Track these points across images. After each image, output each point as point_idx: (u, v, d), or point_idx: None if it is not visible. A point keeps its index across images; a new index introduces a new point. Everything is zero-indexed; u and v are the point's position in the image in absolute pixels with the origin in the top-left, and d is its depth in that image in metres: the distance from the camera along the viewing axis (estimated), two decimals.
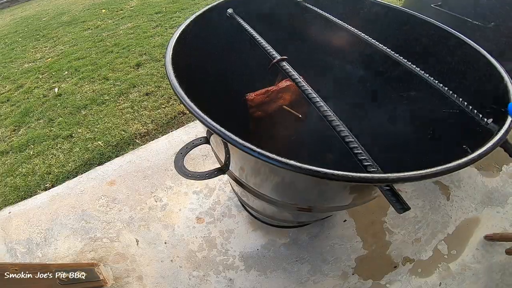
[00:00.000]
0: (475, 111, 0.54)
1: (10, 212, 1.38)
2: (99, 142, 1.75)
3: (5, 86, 2.47)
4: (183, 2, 3.54)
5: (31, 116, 2.05)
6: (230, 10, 0.89)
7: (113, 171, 1.53)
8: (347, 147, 0.45)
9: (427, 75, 0.65)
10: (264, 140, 0.90)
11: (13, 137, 1.90)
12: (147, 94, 2.09)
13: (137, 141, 1.74)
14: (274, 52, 0.69)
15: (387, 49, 0.73)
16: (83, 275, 1.01)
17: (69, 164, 1.66)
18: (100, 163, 1.61)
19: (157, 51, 2.56)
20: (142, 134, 1.77)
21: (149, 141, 1.69)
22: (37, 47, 3.16)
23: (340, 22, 0.82)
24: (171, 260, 1.19)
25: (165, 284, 1.14)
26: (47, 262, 1.03)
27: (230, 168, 0.67)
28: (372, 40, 0.76)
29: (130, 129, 1.80)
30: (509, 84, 0.54)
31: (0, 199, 1.50)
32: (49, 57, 2.86)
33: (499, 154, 1.61)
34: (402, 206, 0.36)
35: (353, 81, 1.00)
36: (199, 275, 1.16)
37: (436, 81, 0.64)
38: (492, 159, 1.51)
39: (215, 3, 0.87)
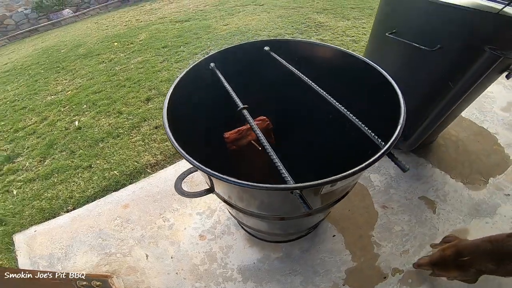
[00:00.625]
0: (373, 134, 0.75)
1: (35, 231, 1.58)
2: (115, 171, 1.97)
3: (31, 118, 2.77)
4: (187, 36, 3.88)
5: (55, 148, 2.31)
6: (212, 64, 1.11)
7: (127, 196, 1.74)
8: (275, 168, 0.67)
9: (346, 111, 0.85)
10: (240, 166, 1.12)
11: (39, 166, 2.14)
12: (156, 127, 2.33)
13: (148, 170, 1.95)
14: (238, 102, 0.90)
15: (325, 93, 0.93)
16: (98, 285, 1.18)
17: (89, 190, 1.87)
18: (116, 190, 1.83)
19: (164, 86, 2.84)
20: (152, 164, 1.99)
21: (159, 170, 1.92)
22: (57, 80, 3.50)
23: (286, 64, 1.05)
24: (176, 273, 1.35)
25: None
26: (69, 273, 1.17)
27: (214, 188, 0.86)
28: (312, 84, 0.96)
29: (142, 160, 2.03)
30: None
31: (27, 220, 1.71)
32: (69, 90, 3.17)
33: (486, 168, 1.68)
34: (307, 206, 0.55)
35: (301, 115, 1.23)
36: (201, 286, 1.30)
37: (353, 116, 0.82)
38: (478, 173, 1.58)
39: (201, 59, 1.10)
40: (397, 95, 0.82)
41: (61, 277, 1.04)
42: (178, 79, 0.97)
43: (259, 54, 1.18)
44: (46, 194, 1.88)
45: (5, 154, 2.35)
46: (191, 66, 1.04)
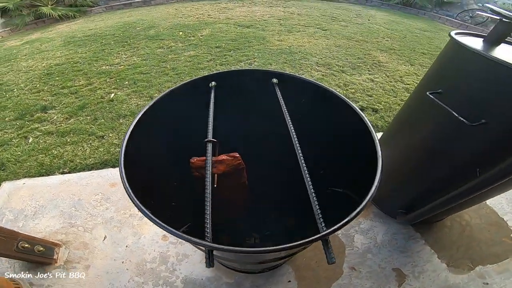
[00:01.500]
0: (320, 216, 0.64)
1: (24, 183, 1.71)
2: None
3: (80, 81, 3.10)
4: (241, 42, 3.97)
5: (84, 111, 2.53)
6: (213, 83, 1.05)
7: (118, 176, 1.77)
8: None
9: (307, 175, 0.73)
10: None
11: (62, 123, 2.36)
12: None
13: None
14: (210, 133, 0.81)
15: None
16: (41, 249, 1.20)
17: (90, 159, 1.97)
18: (113, 167, 1.89)
19: None
20: None
21: None
22: (119, 53, 3.88)
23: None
24: (122, 262, 1.34)
25: (104, 278, 1.28)
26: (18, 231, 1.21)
27: None
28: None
29: None
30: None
31: (24, 171, 1.87)
32: (123, 65, 3.48)
33: (480, 256, 1.49)
34: (209, 264, 0.55)
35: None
36: (138, 281, 1.27)
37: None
38: (468, 259, 1.41)
39: (195, 78, 1.05)
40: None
41: (5, 233, 1.07)
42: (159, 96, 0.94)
43: (260, 85, 1.10)
44: (53, 151, 2.04)
45: (44, 104, 2.66)
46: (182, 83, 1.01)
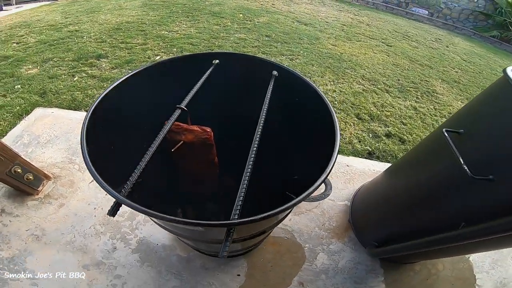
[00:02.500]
0: None
1: (52, 112, 1.95)
2: None
3: (138, 40, 3.39)
4: (292, 37, 3.91)
5: (129, 65, 2.78)
6: (216, 61, 1.06)
7: None
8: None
9: None
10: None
11: (107, 71, 2.63)
12: None
13: None
14: (185, 101, 0.83)
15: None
16: (30, 178, 1.33)
17: None
18: None
19: None
20: None
21: None
22: (181, 22, 4.12)
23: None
24: (95, 208, 1.45)
25: (70, 219, 1.39)
26: (21, 156, 1.29)
27: None
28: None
29: None
30: None
31: (58, 101, 2.13)
32: (179, 34, 3.70)
33: None
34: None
35: None
36: (98, 230, 1.37)
37: None
38: None
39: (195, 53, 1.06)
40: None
41: (7, 154, 1.20)
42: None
43: (257, 75, 1.08)
44: (89, 91, 2.29)
45: (100, 52, 2.98)
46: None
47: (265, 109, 0.85)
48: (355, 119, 2.49)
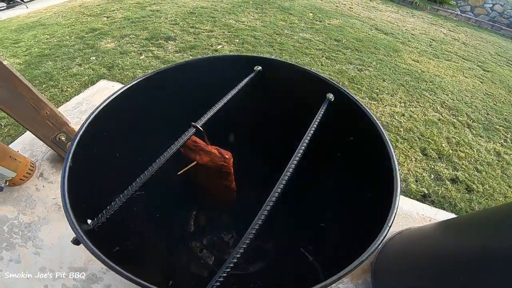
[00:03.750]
0: None
1: (113, 86, 2.07)
2: None
3: (206, 26, 3.47)
4: (367, 45, 3.49)
5: (191, 51, 2.87)
6: (259, 68, 0.92)
7: None
8: None
9: None
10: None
11: (170, 54, 2.74)
12: None
13: None
14: (203, 118, 0.71)
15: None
16: (61, 139, 1.34)
17: None
18: None
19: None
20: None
21: None
22: (249, 14, 4.06)
23: None
24: None
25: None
26: (69, 124, 1.32)
27: None
28: None
29: None
30: None
31: (121, 77, 2.26)
32: (244, 25, 3.66)
33: None
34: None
35: None
36: None
37: None
38: None
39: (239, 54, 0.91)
40: None
41: (56, 119, 1.25)
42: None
43: (307, 94, 0.89)
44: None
45: (170, 35, 3.12)
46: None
47: (306, 140, 0.67)
48: (419, 154, 2.07)
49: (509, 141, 2.35)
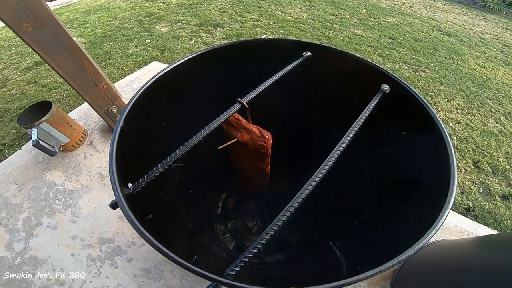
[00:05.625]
0: None
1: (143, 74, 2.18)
2: None
3: (253, 15, 3.48)
4: (425, 46, 3.18)
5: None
6: (308, 53, 0.88)
7: None
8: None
9: None
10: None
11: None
12: None
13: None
14: (250, 96, 0.71)
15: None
16: (113, 111, 1.44)
17: None
18: None
19: None
20: None
21: None
22: (297, 6, 3.97)
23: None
24: None
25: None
26: (121, 98, 1.40)
27: None
28: None
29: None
30: None
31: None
32: (291, 16, 3.58)
33: None
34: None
35: None
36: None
37: None
38: None
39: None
40: None
41: (111, 92, 1.36)
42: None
43: (358, 84, 0.84)
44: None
45: (219, 22, 3.19)
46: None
47: (353, 130, 0.62)
48: (471, 165, 1.86)
49: None
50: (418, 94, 0.70)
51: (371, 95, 0.75)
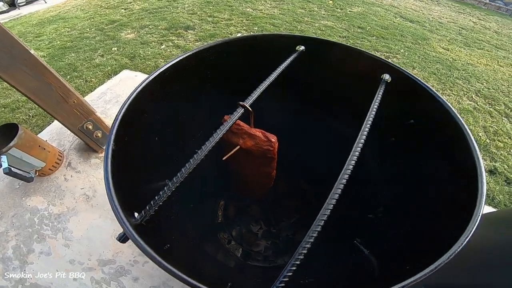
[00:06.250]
0: None
1: (136, 76, 2.04)
2: None
3: (224, 15, 3.40)
4: (392, 33, 3.31)
5: (211, 39, 2.79)
6: (302, 48, 0.84)
7: None
8: None
9: None
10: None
11: (191, 43, 2.68)
12: None
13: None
14: (251, 98, 0.65)
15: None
16: (98, 135, 1.34)
17: None
18: None
19: None
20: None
21: None
22: (267, 2, 3.94)
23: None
24: None
25: None
26: (95, 113, 1.30)
27: None
28: None
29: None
30: None
31: (143, 66, 2.24)
32: (262, 13, 3.55)
33: None
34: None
35: None
36: None
37: None
38: None
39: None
40: None
41: (83, 107, 1.24)
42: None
43: (358, 77, 0.81)
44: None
45: (189, 24, 3.07)
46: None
47: (367, 127, 0.59)
48: None
49: None
50: (421, 81, 0.69)
51: (371, 85, 0.72)
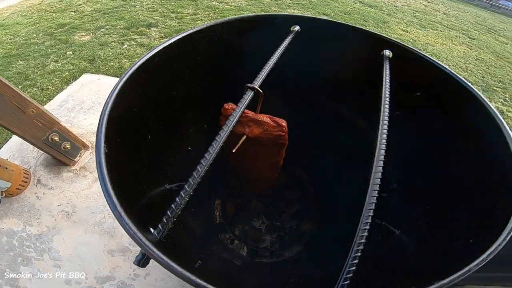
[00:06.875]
0: None
1: (99, 79, 1.84)
2: None
3: (189, 10, 3.27)
4: (354, 17, 3.43)
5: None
6: (297, 28, 0.79)
7: None
8: None
9: None
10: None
11: (156, 40, 2.52)
12: None
13: None
14: (258, 79, 0.58)
15: None
16: (67, 147, 1.19)
17: None
18: None
19: None
20: None
21: None
22: None
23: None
24: None
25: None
26: (60, 122, 1.16)
27: None
28: None
29: None
30: None
31: (106, 68, 2.04)
32: (230, 5, 3.45)
33: None
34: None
35: None
36: None
37: None
38: None
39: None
40: None
41: (45, 118, 1.09)
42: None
43: (359, 55, 0.78)
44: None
45: (151, 21, 2.88)
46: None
47: (386, 111, 0.55)
48: None
49: (509, 100, 2.40)
50: (420, 52, 0.68)
51: (374, 63, 0.70)
